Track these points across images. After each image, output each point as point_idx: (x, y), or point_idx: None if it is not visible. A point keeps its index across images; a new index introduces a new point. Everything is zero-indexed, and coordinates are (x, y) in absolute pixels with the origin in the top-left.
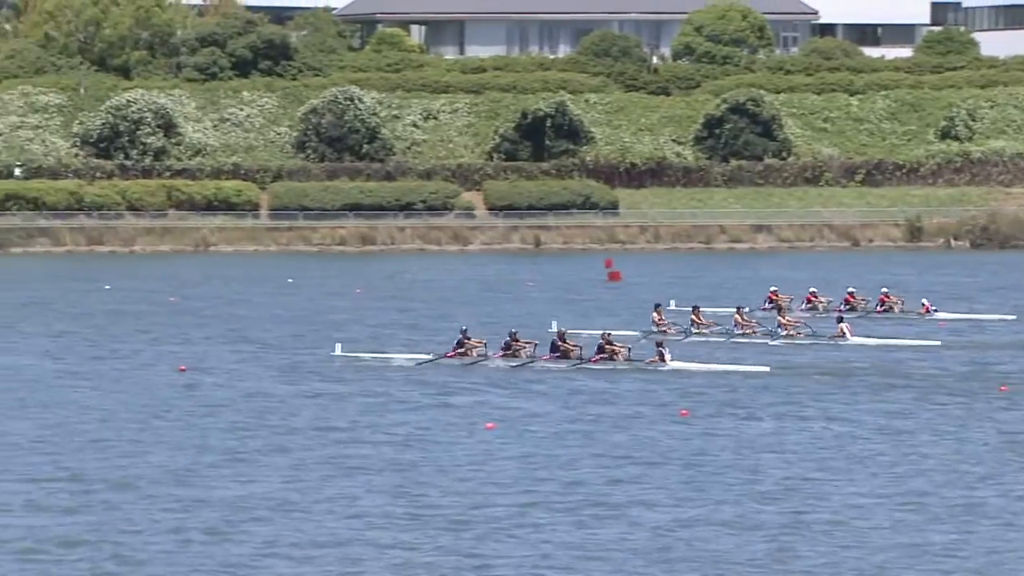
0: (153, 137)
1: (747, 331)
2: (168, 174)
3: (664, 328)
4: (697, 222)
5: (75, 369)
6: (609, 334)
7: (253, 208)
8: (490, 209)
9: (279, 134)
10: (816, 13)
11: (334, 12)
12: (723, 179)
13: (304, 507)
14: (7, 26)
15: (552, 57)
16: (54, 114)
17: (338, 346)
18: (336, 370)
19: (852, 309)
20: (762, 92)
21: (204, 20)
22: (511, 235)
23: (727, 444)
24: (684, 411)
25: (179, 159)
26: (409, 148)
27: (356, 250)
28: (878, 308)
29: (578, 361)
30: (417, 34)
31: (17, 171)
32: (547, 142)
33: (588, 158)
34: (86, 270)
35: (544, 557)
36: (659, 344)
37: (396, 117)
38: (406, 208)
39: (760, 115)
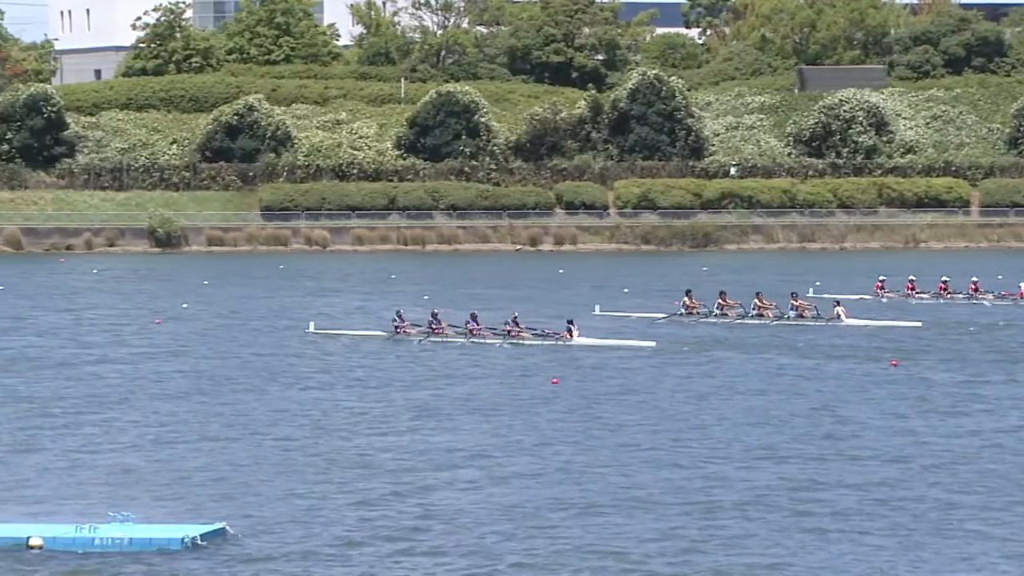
0: (864, 135)
1: (764, 312)
2: (879, 172)
3: (693, 310)
4: None
5: None
6: (516, 315)
7: (964, 205)
8: None
9: (991, 131)
10: None
11: None
12: None
13: None
14: (726, 29)
15: None
16: (768, 114)
17: (311, 324)
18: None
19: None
20: None
21: (917, 19)
22: None
23: None
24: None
25: (890, 157)
26: None
27: None
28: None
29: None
30: None
31: (732, 170)
32: None
33: None
34: (799, 266)
35: None
36: (569, 321)
37: None
38: None
39: None
